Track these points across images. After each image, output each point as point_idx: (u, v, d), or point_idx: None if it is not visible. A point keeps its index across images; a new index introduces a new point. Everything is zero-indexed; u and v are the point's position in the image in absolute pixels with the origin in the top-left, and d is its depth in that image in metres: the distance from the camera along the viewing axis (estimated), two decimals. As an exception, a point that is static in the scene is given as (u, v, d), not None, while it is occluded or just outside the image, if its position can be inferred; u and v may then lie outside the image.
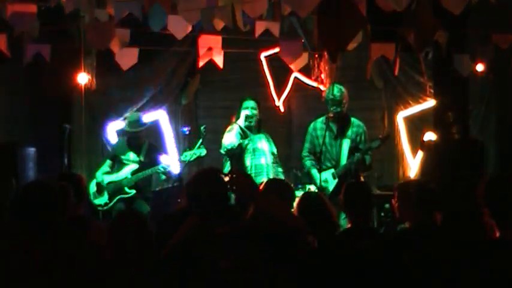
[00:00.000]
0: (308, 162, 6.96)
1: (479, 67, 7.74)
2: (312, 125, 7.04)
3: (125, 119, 8.04)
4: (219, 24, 6.15)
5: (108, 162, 7.48)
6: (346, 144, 6.81)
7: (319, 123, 6.98)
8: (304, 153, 7.04)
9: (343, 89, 6.89)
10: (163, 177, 7.22)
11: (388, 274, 3.68)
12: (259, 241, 3.24)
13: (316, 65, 8.24)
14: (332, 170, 6.80)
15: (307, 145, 7.02)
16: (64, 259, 3.43)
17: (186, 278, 3.24)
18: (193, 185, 3.47)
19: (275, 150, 7.08)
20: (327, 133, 6.82)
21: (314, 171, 6.84)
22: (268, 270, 3.24)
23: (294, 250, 3.42)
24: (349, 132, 6.84)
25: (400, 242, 4.04)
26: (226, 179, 3.28)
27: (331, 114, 6.82)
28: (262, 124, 7.11)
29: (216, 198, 3.34)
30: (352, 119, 6.96)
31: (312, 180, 6.89)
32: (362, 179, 6.78)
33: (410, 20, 5.64)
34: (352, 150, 6.78)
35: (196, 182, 3.48)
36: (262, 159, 6.88)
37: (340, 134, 6.85)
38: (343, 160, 6.79)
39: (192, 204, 3.41)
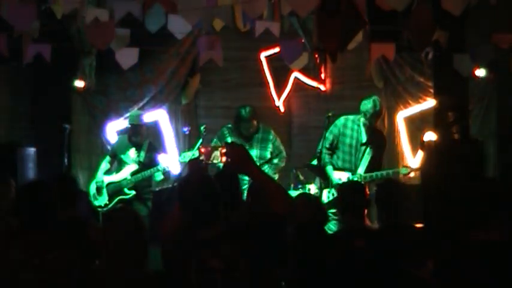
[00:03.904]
0: (327, 158, 6.92)
1: (479, 72, 7.73)
2: (342, 121, 6.95)
3: (126, 118, 8.05)
4: (219, 24, 6.16)
5: (108, 158, 7.48)
6: (369, 154, 6.84)
7: (351, 122, 6.93)
8: (326, 144, 6.93)
9: (381, 102, 6.91)
10: (161, 177, 7.20)
11: (382, 275, 3.68)
12: (246, 242, 3.25)
13: (316, 65, 8.25)
14: (349, 175, 6.80)
15: (330, 137, 6.92)
16: (63, 259, 3.44)
17: (177, 279, 3.24)
18: (184, 185, 3.45)
19: (267, 153, 7.08)
20: (356, 136, 6.87)
21: (329, 168, 6.88)
22: (257, 271, 3.24)
23: (283, 249, 3.43)
24: (376, 145, 6.88)
25: (394, 242, 4.04)
26: (223, 150, 3.25)
27: (367, 123, 6.82)
28: (259, 125, 7.15)
29: (207, 200, 3.34)
30: (379, 131, 7.05)
31: (323, 173, 6.90)
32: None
33: (409, 20, 5.64)
34: (371, 161, 6.83)
35: (186, 182, 3.46)
36: None
37: (368, 144, 6.86)
38: (361, 168, 6.82)
39: (182, 205, 3.40)
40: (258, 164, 6.87)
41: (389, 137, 8.41)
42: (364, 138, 6.87)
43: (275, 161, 7.14)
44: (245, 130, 7.08)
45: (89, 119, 8.62)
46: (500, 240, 3.37)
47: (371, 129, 6.87)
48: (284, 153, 7.24)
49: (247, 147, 6.85)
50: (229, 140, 7.05)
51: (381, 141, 6.99)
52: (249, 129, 7.07)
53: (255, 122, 7.09)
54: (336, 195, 6.68)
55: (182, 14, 5.65)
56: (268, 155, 7.12)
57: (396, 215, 4.42)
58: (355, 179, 6.77)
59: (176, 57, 8.56)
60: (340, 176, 6.81)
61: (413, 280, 3.57)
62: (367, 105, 6.80)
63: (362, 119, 6.82)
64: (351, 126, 6.91)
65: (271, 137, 7.18)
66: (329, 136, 6.93)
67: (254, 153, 7.01)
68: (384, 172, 6.83)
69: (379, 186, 5.18)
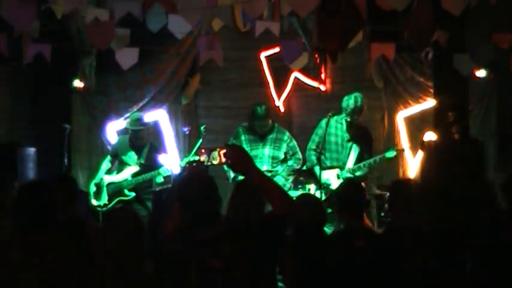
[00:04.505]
0: (313, 158, 6.98)
1: (479, 72, 7.73)
2: (324, 120, 7.03)
3: (126, 118, 8.05)
4: (217, 24, 6.16)
5: (109, 158, 7.49)
6: (355, 150, 6.87)
7: (334, 121, 7.00)
8: (312, 146, 7.04)
9: (360, 101, 6.90)
10: (161, 180, 7.19)
11: (381, 275, 3.68)
12: (246, 242, 3.25)
13: (316, 65, 8.25)
14: (337, 171, 6.84)
15: (316, 138, 7.04)
16: (63, 259, 3.44)
17: (177, 279, 3.25)
18: (185, 186, 3.45)
19: (280, 154, 7.11)
20: (341, 134, 6.88)
21: (317, 168, 6.90)
22: (257, 271, 3.24)
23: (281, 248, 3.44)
24: (361, 140, 6.89)
25: (394, 242, 4.03)
26: (222, 151, 3.26)
27: (348, 119, 6.85)
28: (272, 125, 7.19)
29: (207, 200, 3.34)
30: (363, 127, 7.07)
31: (312, 175, 6.91)
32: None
33: (409, 20, 5.64)
34: (359, 156, 6.84)
35: (187, 183, 3.46)
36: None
37: (353, 139, 6.89)
38: (349, 163, 6.84)
39: (182, 206, 3.40)
40: (271, 164, 6.99)
41: (390, 137, 8.41)
42: (348, 135, 6.92)
43: (290, 162, 7.19)
44: (259, 128, 7.12)
45: (89, 119, 8.62)
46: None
47: (354, 125, 6.93)
48: (299, 155, 7.25)
49: (260, 146, 6.99)
50: (243, 138, 7.11)
51: (366, 136, 7.02)
52: (263, 128, 7.11)
53: (269, 121, 7.16)
54: (326, 195, 6.72)
55: (182, 14, 5.65)
56: (282, 156, 7.16)
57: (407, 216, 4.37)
58: (345, 173, 6.80)
59: (176, 57, 8.55)
60: (328, 176, 6.83)
61: (413, 280, 3.58)
62: (347, 101, 6.90)
63: (344, 116, 6.86)
64: (334, 125, 7.00)
65: (285, 137, 7.23)
66: (315, 138, 7.05)
67: (267, 152, 7.07)
68: (371, 160, 6.86)
69: (390, 186, 5.13)
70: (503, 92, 8.20)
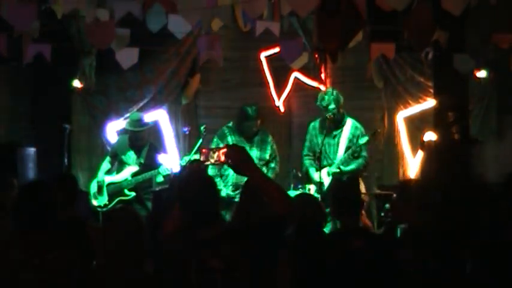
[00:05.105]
0: (307, 162, 7.10)
1: (479, 73, 7.73)
2: (311, 125, 7.19)
3: (126, 118, 8.05)
4: (217, 24, 6.16)
5: (108, 158, 7.49)
6: (343, 143, 6.89)
7: (318, 123, 7.09)
8: (305, 152, 7.21)
9: (334, 94, 6.92)
10: (161, 179, 7.19)
11: (381, 275, 3.68)
12: (246, 242, 3.25)
13: (316, 65, 8.25)
14: (327, 168, 6.88)
15: (307, 144, 7.19)
16: (63, 259, 3.44)
17: (177, 279, 3.25)
18: (185, 186, 3.45)
19: (266, 155, 7.11)
20: (325, 132, 6.90)
21: (311, 170, 6.99)
22: (257, 271, 3.25)
23: (282, 248, 3.44)
24: (347, 133, 6.92)
25: (394, 242, 4.04)
26: (223, 151, 3.26)
27: (326, 115, 6.89)
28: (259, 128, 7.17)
29: (207, 200, 3.34)
30: (350, 119, 7.05)
31: (309, 179, 6.96)
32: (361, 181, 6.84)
33: (409, 20, 5.64)
34: (347, 149, 6.88)
35: (187, 183, 3.46)
36: None
37: (338, 134, 6.92)
38: (339, 157, 6.88)
39: (182, 206, 3.40)
40: (259, 165, 6.96)
41: (390, 137, 8.42)
42: (332, 131, 6.96)
43: (272, 164, 7.20)
44: (248, 129, 7.08)
45: (89, 119, 8.61)
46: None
47: (335, 120, 6.93)
48: (278, 158, 7.31)
49: (248, 147, 6.92)
50: (229, 139, 7.07)
51: (353, 129, 6.97)
52: (252, 128, 7.09)
53: (258, 122, 7.14)
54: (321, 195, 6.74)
55: (182, 14, 5.66)
56: (268, 157, 7.16)
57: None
58: (332, 169, 6.83)
59: (176, 57, 8.54)
60: (322, 175, 6.84)
61: (413, 280, 3.58)
62: (321, 96, 6.99)
63: (325, 114, 6.88)
64: (319, 126, 7.08)
65: (269, 139, 7.25)
66: (306, 143, 7.17)
67: (254, 153, 7.03)
68: (350, 151, 6.89)
69: (397, 186, 5.13)
70: (503, 92, 8.20)
